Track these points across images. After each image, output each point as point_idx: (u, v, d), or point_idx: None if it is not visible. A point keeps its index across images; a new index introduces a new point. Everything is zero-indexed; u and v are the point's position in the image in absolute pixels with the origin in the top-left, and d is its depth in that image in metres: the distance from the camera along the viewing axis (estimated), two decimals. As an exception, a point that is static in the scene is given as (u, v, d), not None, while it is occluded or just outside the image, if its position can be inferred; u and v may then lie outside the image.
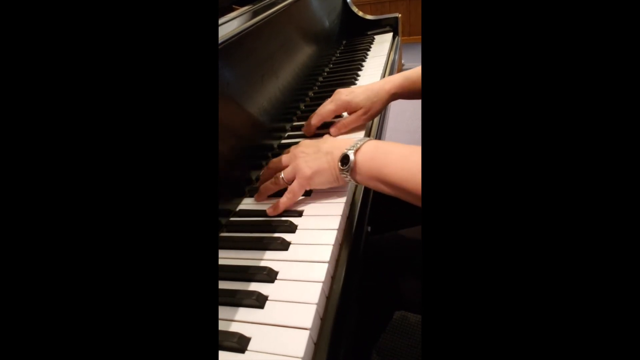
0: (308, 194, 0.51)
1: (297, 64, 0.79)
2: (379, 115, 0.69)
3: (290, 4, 0.78)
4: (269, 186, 0.52)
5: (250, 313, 0.36)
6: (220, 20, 0.57)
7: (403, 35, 3.02)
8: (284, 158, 0.52)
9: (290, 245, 0.43)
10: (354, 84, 0.85)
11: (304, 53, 0.85)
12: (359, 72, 0.90)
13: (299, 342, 0.32)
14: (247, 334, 0.34)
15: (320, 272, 0.39)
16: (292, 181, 0.49)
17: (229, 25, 0.56)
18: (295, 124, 0.73)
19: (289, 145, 0.59)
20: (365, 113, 0.63)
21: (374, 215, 0.56)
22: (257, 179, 0.57)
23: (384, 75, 0.88)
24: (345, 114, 0.67)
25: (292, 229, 0.45)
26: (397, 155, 0.43)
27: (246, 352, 0.33)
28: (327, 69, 0.97)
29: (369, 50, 1.03)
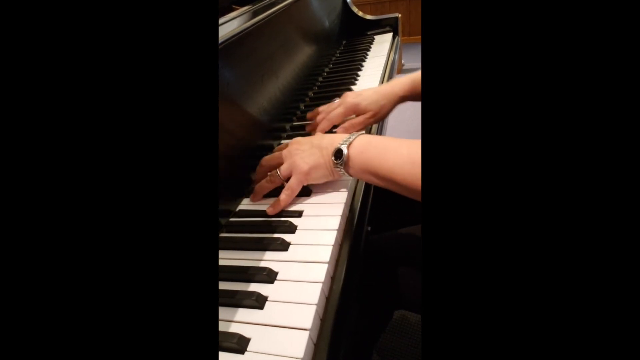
0: (308, 194, 0.51)
1: (297, 64, 0.79)
2: (380, 115, 0.69)
3: (290, 4, 0.78)
4: (264, 185, 0.52)
5: (249, 314, 0.36)
6: (220, 20, 0.57)
7: (403, 35, 3.02)
8: (278, 155, 0.52)
9: (290, 246, 0.43)
10: (354, 84, 0.85)
11: (304, 53, 0.85)
12: (359, 72, 0.90)
13: (299, 342, 0.32)
14: (246, 335, 0.34)
15: (320, 272, 0.38)
16: (288, 178, 0.50)
17: (229, 25, 0.56)
18: (295, 124, 0.73)
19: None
20: (373, 116, 0.65)
21: (374, 214, 0.56)
22: (257, 179, 0.57)
23: (384, 76, 0.88)
24: (353, 115, 0.67)
25: (291, 229, 0.45)
26: (387, 149, 0.44)
27: (246, 352, 0.33)
28: (327, 69, 0.97)
29: (369, 51, 1.03)
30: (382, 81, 0.85)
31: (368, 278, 0.62)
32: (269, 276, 0.39)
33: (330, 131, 0.66)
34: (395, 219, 0.70)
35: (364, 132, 0.49)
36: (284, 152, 0.52)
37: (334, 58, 1.04)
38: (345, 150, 0.46)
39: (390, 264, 0.60)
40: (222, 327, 0.35)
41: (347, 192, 0.50)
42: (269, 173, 0.52)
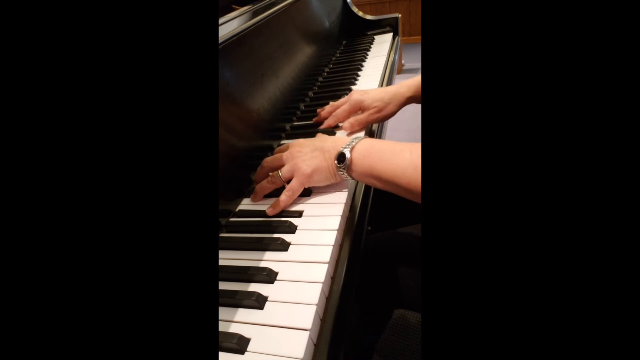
0: (308, 194, 0.51)
1: (297, 64, 0.79)
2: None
3: (290, 4, 0.78)
4: (265, 185, 0.52)
5: (250, 314, 0.36)
6: (220, 20, 0.57)
7: (403, 35, 3.02)
8: (280, 157, 0.52)
9: (290, 246, 0.43)
10: (354, 84, 0.85)
11: (304, 53, 0.85)
12: (359, 72, 0.90)
13: (299, 343, 0.32)
14: (246, 335, 0.34)
15: (320, 272, 0.38)
16: (290, 180, 0.50)
17: (229, 25, 0.56)
18: (295, 124, 0.73)
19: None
20: (378, 112, 0.65)
21: (373, 214, 0.56)
22: (257, 179, 0.57)
23: (384, 76, 0.88)
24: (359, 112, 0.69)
25: (292, 229, 0.45)
26: (389, 153, 0.44)
27: (246, 353, 0.33)
28: (327, 69, 0.97)
29: (369, 51, 1.03)
30: (382, 81, 0.85)
31: (368, 278, 0.62)
32: (269, 276, 0.39)
33: (334, 128, 0.67)
34: (395, 219, 0.70)
35: (366, 135, 0.49)
36: (286, 153, 0.52)
37: (334, 58, 1.04)
38: (348, 154, 0.47)
39: (390, 264, 0.60)
40: (222, 327, 0.35)
41: (347, 192, 0.50)
42: (270, 174, 0.52)
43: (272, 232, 0.46)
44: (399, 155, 0.43)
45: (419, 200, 0.42)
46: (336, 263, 0.42)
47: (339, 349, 0.35)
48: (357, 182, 0.54)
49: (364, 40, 1.11)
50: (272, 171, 0.52)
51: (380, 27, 1.18)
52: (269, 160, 0.54)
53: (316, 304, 0.35)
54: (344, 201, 0.48)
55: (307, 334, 0.33)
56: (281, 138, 0.69)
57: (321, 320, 0.36)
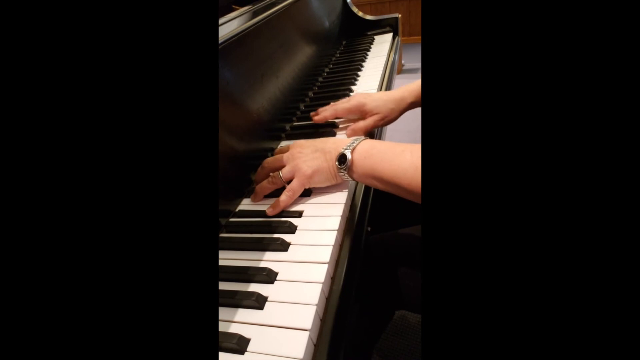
0: (308, 194, 0.51)
1: (297, 64, 0.79)
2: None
3: (290, 4, 0.78)
4: (265, 185, 0.52)
5: (249, 314, 0.36)
6: (220, 20, 0.57)
7: (403, 36, 3.02)
8: (280, 157, 0.53)
9: (290, 246, 0.43)
10: (354, 84, 0.85)
11: (304, 53, 0.85)
12: (359, 73, 0.90)
13: (299, 343, 0.32)
14: (246, 335, 0.34)
15: (320, 272, 0.38)
16: (290, 180, 0.50)
17: (229, 25, 0.56)
18: (295, 124, 0.73)
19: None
20: (383, 119, 0.66)
21: (373, 214, 0.56)
22: (257, 179, 0.57)
23: (384, 76, 0.88)
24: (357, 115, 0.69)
25: (291, 229, 0.45)
26: (390, 154, 0.45)
27: (246, 353, 0.33)
28: (327, 69, 0.97)
29: (368, 51, 1.03)
30: (382, 81, 0.86)
31: (368, 278, 0.62)
32: (269, 276, 0.39)
33: (333, 125, 0.68)
34: (395, 219, 0.70)
35: (367, 137, 0.49)
36: (287, 154, 0.52)
37: (334, 58, 1.04)
38: (349, 155, 0.47)
39: (390, 264, 0.60)
40: (222, 327, 0.35)
41: (347, 193, 0.50)
42: (270, 174, 0.52)
43: (272, 232, 0.46)
44: (400, 156, 0.43)
45: (419, 201, 0.42)
46: (336, 263, 0.42)
47: (339, 349, 0.35)
48: (357, 182, 0.54)
49: (364, 41, 1.11)
50: (273, 172, 0.52)
51: (380, 27, 1.18)
52: (269, 161, 0.54)
53: (316, 304, 0.35)
54: (344, 201, 0.48)
55: (307, 334, 0.33)
56: (281, 138, 0.69)
57: (321, 320, 0.36)
